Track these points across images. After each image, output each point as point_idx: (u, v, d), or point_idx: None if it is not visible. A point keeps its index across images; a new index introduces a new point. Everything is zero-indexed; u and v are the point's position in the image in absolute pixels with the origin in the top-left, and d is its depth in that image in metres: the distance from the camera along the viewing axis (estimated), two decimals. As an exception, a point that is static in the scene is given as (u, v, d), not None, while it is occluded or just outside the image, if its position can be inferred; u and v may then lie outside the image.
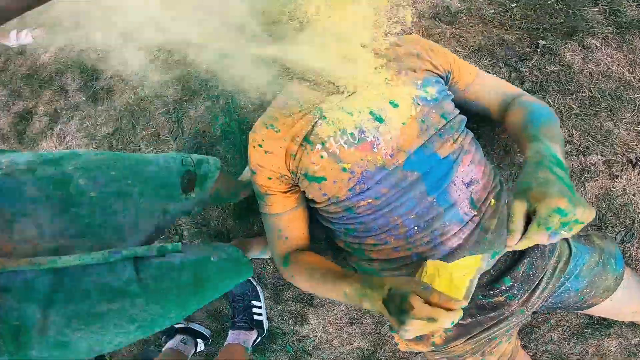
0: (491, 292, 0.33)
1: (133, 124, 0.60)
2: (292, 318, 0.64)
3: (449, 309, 0.21)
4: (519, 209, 0.21)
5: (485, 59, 0.55)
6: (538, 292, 0.35)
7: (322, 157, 0.31)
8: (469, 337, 0.35)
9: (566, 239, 0.38)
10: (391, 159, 0.31)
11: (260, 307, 0.58)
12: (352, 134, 0.31)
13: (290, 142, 0.32)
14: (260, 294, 0.60)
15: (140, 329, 0.22)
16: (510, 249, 0.23)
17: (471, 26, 0.57)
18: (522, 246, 0.22)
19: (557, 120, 0.35)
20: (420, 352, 0.50)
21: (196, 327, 0.60)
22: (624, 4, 0.57)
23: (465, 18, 0.58)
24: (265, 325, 0.59)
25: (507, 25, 0.57)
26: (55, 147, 0.65)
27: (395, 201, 0.31)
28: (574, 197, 0.21)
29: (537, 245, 0.35)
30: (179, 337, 0.57)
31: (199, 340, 0.61)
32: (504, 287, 0.33)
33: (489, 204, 0.32)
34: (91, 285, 0.20)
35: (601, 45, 0.55)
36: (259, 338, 0.58)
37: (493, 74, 0.53)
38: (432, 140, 0.32)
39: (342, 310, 0.61)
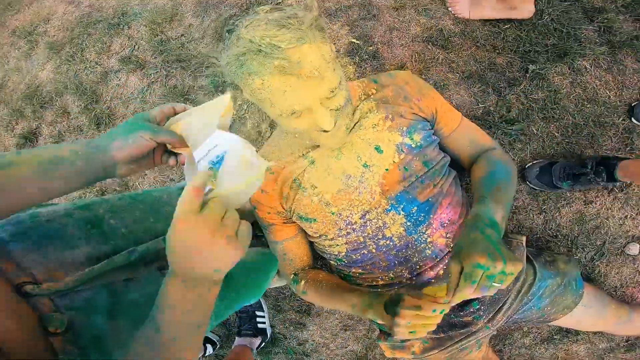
0: (461, 313, 0.44)
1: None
2: (292, 325, 0.77)
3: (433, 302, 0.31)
4: (454, 269, 0.29)
5: (476, 86, 0.62)
6: (502, 312, 0.45)
7: (312, 201, 0.40)
8: (442, 348, 0.46)
9: (532, 266, 0.49)
10: (374, 202, 0.39)
11: (263, 317, 0.71)
12: (339, 180, 0.39)
13: (283, 185, 0.41)
14: (264, 305, 0.73)
15: None
16: (452, 303, 0.30)
17: (463, 49, 0.64)
18: (457, 300, 0.29)
19: (513, 183, 0.41)
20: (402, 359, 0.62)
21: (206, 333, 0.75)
22: (620, 19, 0.62)
23: (458, 41, 0.64)
24: (269, 332, 0.73)
25: (499, 48, 0.64)
26: None
27: (378, 241, 0.40)
28: (497, 253, 0.27)
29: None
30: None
31: (208, 345, 0.75)
32: (472, 310, 0.44)
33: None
34: (137, 295, 0.30)
35: (591, 66, 0.61)
36: (263, 343, 0.72)
37: (482, 101, 0.61)
38: (414, 186, 0.39)
39: (337, 319, 0.75)
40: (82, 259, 0.27)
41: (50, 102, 0.80)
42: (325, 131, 0.32)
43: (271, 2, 0.71)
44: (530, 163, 0.58)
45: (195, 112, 0.27)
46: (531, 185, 0.58)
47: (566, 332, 0.65)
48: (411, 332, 0.33)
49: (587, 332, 0.64)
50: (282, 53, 0.28)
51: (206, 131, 0.24)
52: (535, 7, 0.62)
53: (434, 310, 0.31)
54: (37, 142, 0.81)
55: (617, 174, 0.48)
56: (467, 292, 0.28)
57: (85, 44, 0.80)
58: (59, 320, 0.25)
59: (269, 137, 0.61)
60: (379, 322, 0.36)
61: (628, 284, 0.63)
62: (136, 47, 0.76)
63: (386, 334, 0.50)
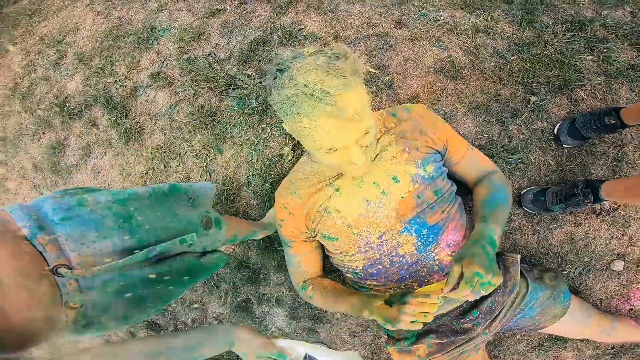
0: (462, 320, 0.54)
1: (164, 165, 0.80)
2: (305, 331, 0.87)
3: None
4: (456, 270, 0.38)
5: (481, 117, 0.72)
6: (498, 320, 0.55)
7: (336, 223, 0.49)
8: (445, 352, 0.55)
9: (525, 280, 0.59)
10: (389, 225, 0.48)
11: None
12: (361, 205, 0.48)
13: (310, 209, 0.50)
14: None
15: (162, 302, 0.43)
16: (444, 295, 0.39)
17: (472, 81, 0.74)
18: (452, 295, 0.38)
19: (508, 204, 0.52)
20: None
21: None
22: (619, 48, 0.73)
23: (467, 73, 0.74)
24: None
25: (504, 80, 0.74)
26: (90, 181, 0.85)
27: (392, 257, 0.49)
28: (490, 267, 0.37)
29: (500, 287, 0.56)
30: None
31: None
32: (471, 317, 0.53)
33: None
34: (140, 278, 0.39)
35: (587, 97, 0.72)
36: None
37: (486, 131, 0.72)
38: (425, 211, 0.48)
39: (347, 325, 0.85)
40: (110, 249, 0.36)
41: (80, 114, 0.88)
42: (355, 164, 0.39)
43: (296, 32, 0.81)
44: (525, 190, 0.69)
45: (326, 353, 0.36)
46: (526, 210, 0.69)
47: (555, 340, 0.76)
48: (412, 322, 0.40)
49: (574, 339, 0.75)
50: (331, 99, 0.34)
51: None
52: (541, 38, 0.73)
53: (438, 299, 0.41)
54: (64, 152, 0.89)
55: (601, 194, 0.58)
56: (465, 293, 0.37)
57: (115, 57, 0.89)
58: (79, 299, 0.34)
59: (290, 160, 0.72)
60: (375, 318, 0.44)
61: (612, 296, 0.74)
62: (165, 64, 0.85)
63: (394, 339, 0.60)
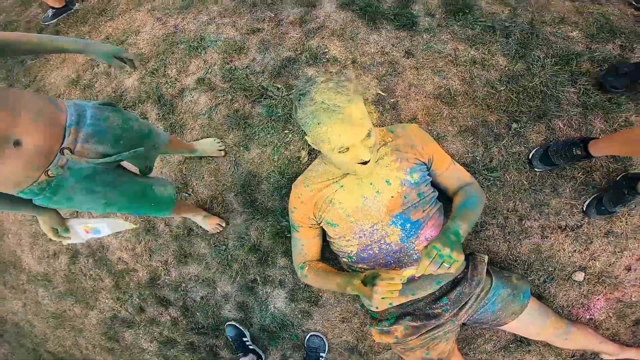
0: (434, 306, 0.84)
1: (199, 157, 1.17)
2: (300, 313, 1.20)
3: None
4: (424, 252, 0.68)
5: (469, 139, 1.05)
6: (464, 310, 0.85)
7: (338, 212, 0.82)
8: (418, 334, 0.86)
9: (490, 278, 0.89)
10: (380, 217, 0.80)
11: (324, 357, 1.17)
12: (359, 200, 0.81)
13: (318, 200, 0.83)
14: (327, 347, 1.18)
15: (106, 201, 0.77)
16: (417, 273, 0.67)
17: (464, 107, 1.08)
18: (421, 271, 0.65)
19: (479, 209, 0.79)
20: (388, 344, 1.03)
21: (259, 351, 1.24)
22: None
23: (461, 100, 1.08)
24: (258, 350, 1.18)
25: (492, 107, 1.07)
26: None
27: (380, 245, 0.81)
28: (448, 242, 0.65)
29: (466, 280, 0.86)
30: (251, 355, 1.19)
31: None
32: (441, 304, 0.84)
33: None
34: (103, 178, 0.72)
35: (564, 126, 1.03)
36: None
37: (472, 151, 1.05)
38: (409, 209, 0.79)
39: (338, 311, 1.17)
40: (100, 151, 0.69)
41: (133, 106, 1.30)
42: (364, 163, 0.70)
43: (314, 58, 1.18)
44: (532, 152, 1.00)
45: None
46: (537, 169, 1.00)
47: (520, 342, 1.05)
48: (383, 298, 0.69)
49: (537, 345, 1.04)
50: (342, 110, 0.65)
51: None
52: (530, 71, 1.05)
53: (401, 279, 0.72)
54: None
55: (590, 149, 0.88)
56: (425, 264, 0.65)
57: (168, 61, 1.30)
58: (57, 172, 0.65)
59: (305, 162, 1.07)
60: (356, 293, 0.74)
61: (573, 305, 1.03)
62: (209, 71, 1.25)
63: (377, 320, 0.93)
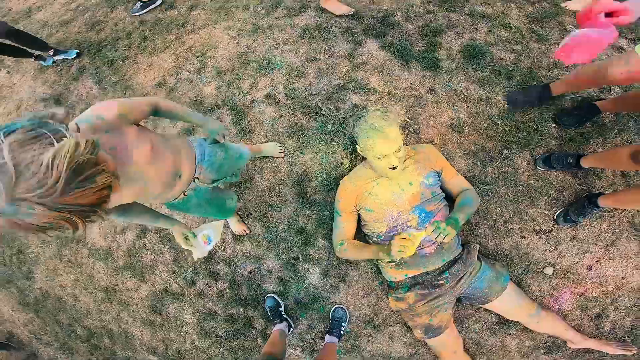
0: (438, 278, 1.87)
1: (262, 157, 2.28)
2: (330, 287, 2.25)
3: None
4: (430, 225, 1.69)
5: (470, 160, 2.09)
6: (460, 283, 1.87)
7: (374, 201, 1.88)
8: (425, 301, 1.91)
9: (480, 261, 1.90)
10: (404, 207, 1.85)
11: (344, 327, 2.24)
12: (390, 194, 1.87)
13: (360, 193, 1.91)
14: (348, 318, 2.25)
15: (217, 206, 1.86)
16: (423, 235, 1.66)
17: (469, 135, 2.12)
18: (427, 232, 1.63)
19: (474, 207, 1.86)
20: (400, 310, 2.04)
21: (290, 321, 2.33)
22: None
23: (467, 130, 2.13)
24: (342, 332, 2.24)
25: (490, 137, 2.11)
26: None
27: (403, 227, 1.86)
28: (447, 223, 1.66)
29: (462, 260, 1.89)
30: (284, 323, 2.27)
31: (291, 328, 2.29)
32: (444, 277, 1.88)
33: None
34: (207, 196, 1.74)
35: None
36: (339, 340, 2.22)
37: (471, 169, 2.08)
38: (425, 203, 1.87)
39: (360, 287, 2.21)
40: (209, 178, 1.68)
41: (210, 111, 2.44)
42: (393, 168, 1.78)
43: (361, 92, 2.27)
44: (537, 157, 2.04)
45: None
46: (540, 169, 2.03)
47: (503, 324, 2.03)
48: (399, 251, 1.74)
49: (516, 328, 2.02)
50: (384, 130, 1.75)
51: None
52: (520, 109, 2.08)
53: (409, 234, 1.75)
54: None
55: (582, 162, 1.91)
56: (429, 229, 1.69)
57: (242, 76, 2.45)
58: (189, 193, 1.59)
59: (346, 167, 2.16)
60: (385, 257, 1.78)
61: (545, 294, 2.01)
62: (275, 88, 2.38)
63: (394, 289, 1.98)
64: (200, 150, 1.58)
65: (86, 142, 0.73)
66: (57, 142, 0.69)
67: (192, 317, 2.59)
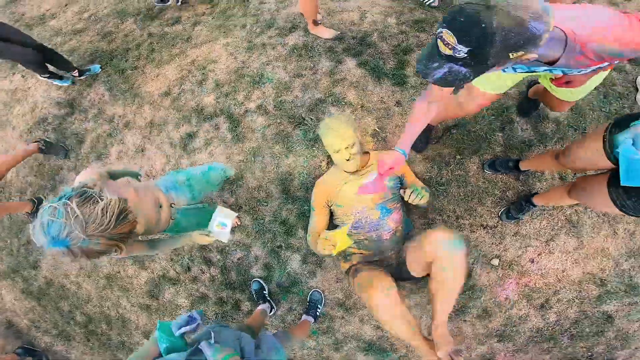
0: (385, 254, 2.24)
1: (254, 159, 2.65)
2: (308, 273, 2.60)
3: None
4: (408, 190, 2.06)
5: (429, 164, 2.47)
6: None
7: (344, 197, 2.25)
8: (368, 262, 2.25)
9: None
10: (368, 204, 2.23)
11: (320, 309, 2.60)
12: (356, 192, 2.25)
13: (332, 191, 2.29)
14: (323, 301, 2.61)
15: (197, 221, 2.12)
16: (406, 197, 2.01)
17: (433, 144, 2.49)
18: (406, 196, 1.98)
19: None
20: (346, 271, 2.35)
21: (272, 303, 2.68)
22: (521, 128, 2.42)
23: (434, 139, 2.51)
24: (318, 314, 2.59)
25: (446, 144, 2.49)
26: (206, 159, 2.73)
27: (367, 220, 2.23)
28: (423, 189, 2.08)
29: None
30: (267, 304, 2.65)
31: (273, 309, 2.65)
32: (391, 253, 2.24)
33: (400, 227, 2.17)
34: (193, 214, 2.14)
35: (491, 158, 2.42)
36: (314, 321, 2.58)
37: (429, 172, 2.46)
38: (386, 202, 2.25)
39: (334, 273, 2.57)
40: (184, 200, 2.09)
41: (209, 118, 2.83)
42: (348, 160, 2.17)
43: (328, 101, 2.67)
44: (485, 163, 2.40)
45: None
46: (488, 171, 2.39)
47: (458, 312, 2.37)
48: (324, 249, 2.03)
49: (470, 315, 2.37)
50: (336, 129, 2.17)
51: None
52: (476, 119, 2.47)
53: (326, 236, 2.10)
54: (193, 139, 2.84)
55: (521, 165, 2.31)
56: (408, 192, 2.05)
57: (237, 88, 2.84)
58: (175, 215, 2.01)
59: (324, 169, 2.55)
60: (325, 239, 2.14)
61: (493, 284, 2.36)
62: (266, 100, 2.77)
63: (344, 257, 2.32)
64: (164, 184, 1.99)
65: (119, 198, 1.20)
66: (100, 199, 1.14)
67: (186, 301, 2.91)
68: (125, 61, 3.28)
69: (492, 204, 2.38)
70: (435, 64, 1.13)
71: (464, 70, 1.09)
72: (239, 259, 2.71)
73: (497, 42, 0.96)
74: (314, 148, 2.61)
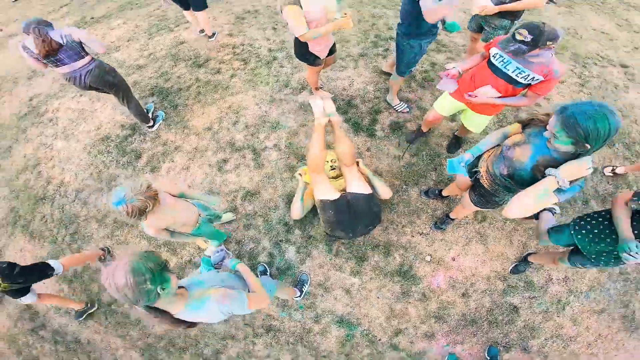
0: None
1: (281, 179, 3.88)
2: (299, 260, 3.77)
3: None
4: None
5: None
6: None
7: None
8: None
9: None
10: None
11: (305, 287, 3.77)
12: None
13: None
14: (309, 282, 3.80)
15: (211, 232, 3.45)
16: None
17: (386, 177, 3.80)
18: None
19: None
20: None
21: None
22: (445, 169, 3.74)
23: (385, 173, 3.85)
24: (304, 291, 3.75)
25: (397, 177, 3.84)
26: (235, 178, 3.95)
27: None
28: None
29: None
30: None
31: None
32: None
33: None
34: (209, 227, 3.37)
35: (425, 188, 3.71)
36: (300, 293, 3.73)
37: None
38: None
39: (318, 262, 3.74)
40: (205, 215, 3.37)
41: (239, 150, 4.13)
42: (332, 169, 3.44)
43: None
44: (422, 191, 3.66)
45: None
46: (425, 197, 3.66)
47: (403, 294, 3.55)
48: None
49: (414, 299, 3.55)
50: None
51: None
52: (412, 144, 3.80)
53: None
54: (226, 163, 4.09)
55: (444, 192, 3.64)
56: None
57: (260, 130, 4.19)
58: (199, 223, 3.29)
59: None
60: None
61: (427, 274, 3.58)
62: (279, 141, 4.09)
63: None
64: (198, 205, 3.19)
65: (151, 183, 2.30)
66: (143, 181, 2.26)
67: (205, 281, 3.95)
68: (178, 99, 4.56)
69: (426, 218, 3.64)
70: (511, 44, 2.33)
71: (524, 47, 2.28)
72: (250, 249, 3.82)
73: (545, 36, 2.20)
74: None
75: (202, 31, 5.24)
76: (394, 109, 4.26)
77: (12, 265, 3.13)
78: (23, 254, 4.38)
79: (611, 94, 4.67)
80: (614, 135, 1.62)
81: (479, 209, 2.82)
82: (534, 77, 2.44)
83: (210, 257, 2.43)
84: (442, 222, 3.58)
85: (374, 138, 3.98)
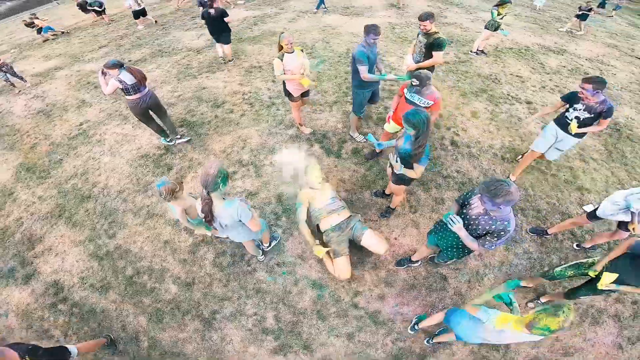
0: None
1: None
2: (286, 235, 5.27)
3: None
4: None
5: (347, 194, 5.50)
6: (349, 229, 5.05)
7: (314, 200, 5.13)
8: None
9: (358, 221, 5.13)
10: (326, 200, 5.10)
11: (274, 242, 5.31)
12: (326, 200, 5.15)
13: (310, 197, 5.19)
14: (279, 239, 5.34)
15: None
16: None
17: (349, 185, 5.58)
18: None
19: None
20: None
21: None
22: (447, 189, 5.52)
23: (348, 182, 5.62)
24: (272, 244, 5.31)
25: (357, 185, 5.60)
26: (241, 184, 5.66)
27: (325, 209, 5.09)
28: None
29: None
30: (262, 257, 5.33)
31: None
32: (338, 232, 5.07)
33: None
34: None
35: (374, 190, 5.47)
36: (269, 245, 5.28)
37: (350, 197, 5.46)
38: (338, 209, 5.13)
39: (299, 240, 5.24)
40: None
41: (244, 165, 5.94)
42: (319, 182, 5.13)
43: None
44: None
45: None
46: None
47: (359, 263, 5.10)
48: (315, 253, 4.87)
49: (369, 267, 5.11)
50: (315, 169, 5.15)
51: None
52: (371, 159, 5.61)
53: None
54: (235, 174, 5.81)
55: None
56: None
57: (261, 154, 6.07)
58: None
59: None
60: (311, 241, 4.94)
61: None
62: (274, 163, 5.88)
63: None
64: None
65: (180, 182, 3.89)
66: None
67: (211, 255, 5.29)
68: (201, 129, 6.38)
69: (375, 210, 5.29)
70: (412, 87, 4.49)
71: (418, 87, 4.45)
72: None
73: (424, 80, 4.96)
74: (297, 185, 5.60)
75: (223, 59, 7.91)
76: (354, 139, 6.22)
77: (36, 347, 3.51)
78: (62, 239, 5.50)
79: (514, 124, 6.82)
80: None
81: (399, 186, 4.59)
82: (427, 102, 4.48)
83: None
84: (386, 212, 5.24)
85: (340, 159, 5.83)
